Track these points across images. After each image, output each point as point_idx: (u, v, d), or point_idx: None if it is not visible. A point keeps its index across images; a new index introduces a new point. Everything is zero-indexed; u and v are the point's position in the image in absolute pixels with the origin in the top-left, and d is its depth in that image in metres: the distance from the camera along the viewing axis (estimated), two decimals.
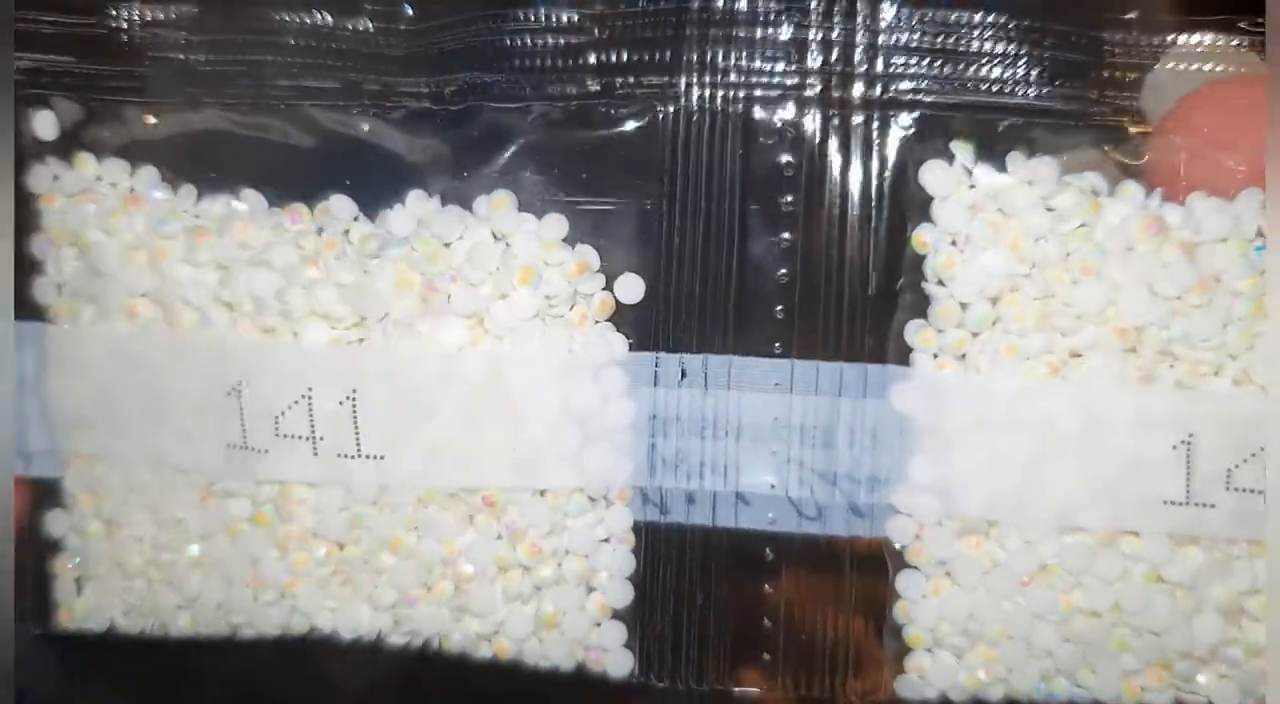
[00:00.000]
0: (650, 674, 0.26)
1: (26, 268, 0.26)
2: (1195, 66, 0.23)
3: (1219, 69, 0.23)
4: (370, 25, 0.25)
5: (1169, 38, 0.23)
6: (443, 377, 0.24)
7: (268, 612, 0.26)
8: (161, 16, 0.25)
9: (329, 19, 0.25)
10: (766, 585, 0.25)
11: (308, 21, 0.25)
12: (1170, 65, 0.23)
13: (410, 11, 0.24)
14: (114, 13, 0.25)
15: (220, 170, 0.25)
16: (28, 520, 0.27)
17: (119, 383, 0.26)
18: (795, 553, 0.25)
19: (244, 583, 0.26)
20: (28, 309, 0.26)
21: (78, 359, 0.26)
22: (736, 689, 0.25)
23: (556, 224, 0.24)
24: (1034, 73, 0.23)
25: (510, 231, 0.24)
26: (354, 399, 0.24)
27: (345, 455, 0.25)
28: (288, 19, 0.25)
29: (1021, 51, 0.23)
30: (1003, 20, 0.23)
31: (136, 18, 0.25)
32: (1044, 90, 0.23)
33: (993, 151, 0.23)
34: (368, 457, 0.25)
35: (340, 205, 0.25)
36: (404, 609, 0.25)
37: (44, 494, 0.27)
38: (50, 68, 0.26)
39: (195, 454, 0.25)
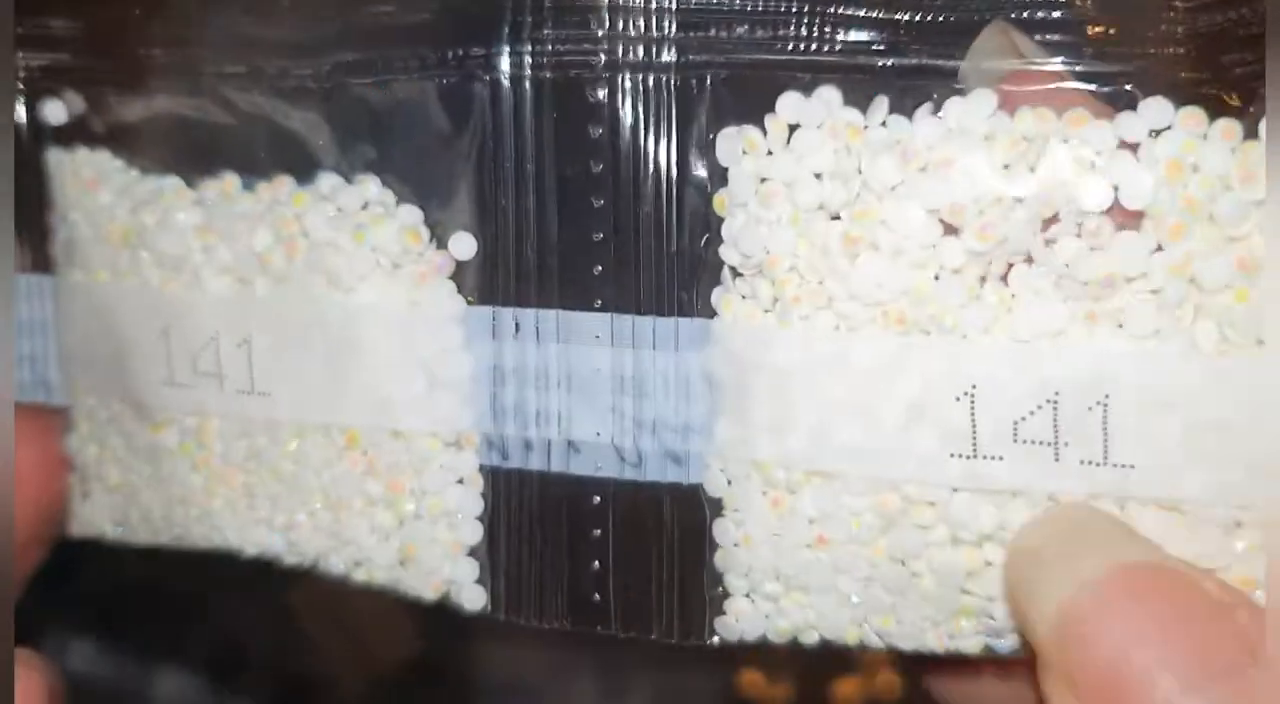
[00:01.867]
0: (500, 610, 0.28)
1: (47, 231, 0.32)
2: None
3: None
4: (273, 15, 0.28)
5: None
6: (308, 324, 0.27)
7: (193, 527, 0.30)
8: (125, 16, 0.30)
9: (241, 11, 0.28)
10: (595, 529, 0.26)
11: (224, 13, 0.28)
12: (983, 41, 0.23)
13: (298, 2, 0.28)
14: (92, 14, 0.30)
15: (170, 148, 0.30)
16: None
17: (96, 331, 0.30)
18: (620, 499, 0.26)
19: (177, 501, 0.30)
20: (46, 266, 0.32)
21: (71, 310, 0.31)
22: (572, 628, 0.27)
23: (405, 207, 0.27)
24: (827, 31, 0.23)
25: (366, 199, 0.27)
26: (249, 342, 0.28)
27: (243, 392, 0.28)
28: (211, 12, 0.29)
29: (815, 9, 0.23)
30: None
31: (108, 18, 0.30)
32: (838, 47, 0.23)
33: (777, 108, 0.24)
34: (259, 393, 0.28)
35: (230, 179, 0.29)
36: (292, 532, 0.28)
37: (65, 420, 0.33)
38: (56, 65, 0.31)
39: (142, 389, 0.30)
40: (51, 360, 0.32)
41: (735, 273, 0.24)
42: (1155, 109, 0.21)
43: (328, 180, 0.28)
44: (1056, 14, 0.22)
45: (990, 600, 0.23)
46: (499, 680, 0.39)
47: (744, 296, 0.24)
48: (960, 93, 0.23)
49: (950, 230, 0.22)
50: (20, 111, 0.32)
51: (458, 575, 0.28)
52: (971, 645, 0.24)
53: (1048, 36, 0.22)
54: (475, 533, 0.27)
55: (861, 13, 0.23)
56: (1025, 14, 0.22)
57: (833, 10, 0.23)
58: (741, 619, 0.25)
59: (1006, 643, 0.24)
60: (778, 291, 0.24)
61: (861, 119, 0.23)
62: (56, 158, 0.31)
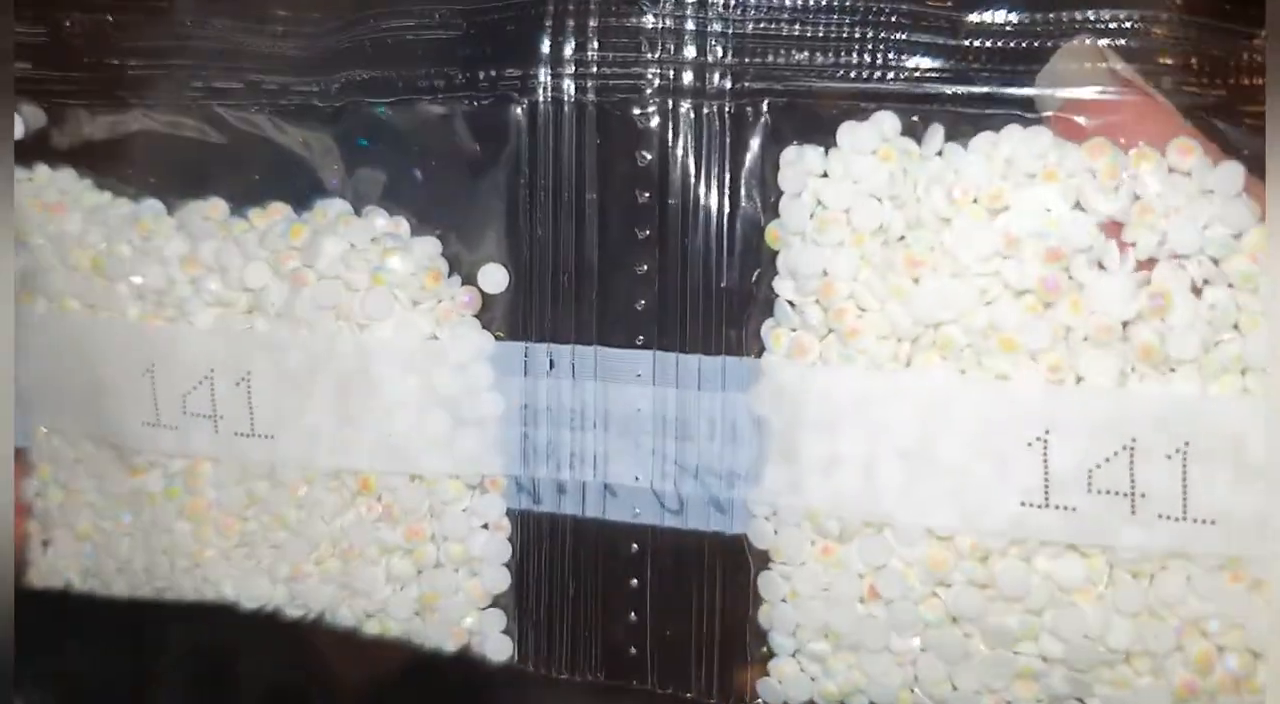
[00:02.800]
0: (528, 661, 0.26)
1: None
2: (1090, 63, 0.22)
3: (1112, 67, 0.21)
4: (268, 29, 0.26)
5: (1042, 15, 0.22)
6: (317, 362, 0.25)
7: (181, 579, 0.27)
8: (97, 25, 0.27)
9: (233, 23, 0.26)
10: (633, 579, 0.25)
11: (214, 25, 0.26)
12: (1067, 59, 0.22)
13: (297, 15, 0.26)
14: (60, 22, 0.28)
15: (147, 168, 0.27)
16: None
17: (63, 366, 0.28)
18: (659, 547, 0.25)
19: (162, 551, 0.27)
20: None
21: (32, 343, 0.28)
22: (606, 681, 0.25)
23: (421, 239, 0.26)
24: (890, 57, 0.22)
25: (376, 231, 0.25)
26: (248, 381, 0.26)
27: (241, 434, 0.26)
28: (196, 24, 0.26)
29: (879, 35, 0.22)
30: (855, 4, 0.22)
31: (78, 26, 0.27)
32: (901, 75, 0.22)
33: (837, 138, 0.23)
34: (260, 436, 0.26)
35: (217, 204, 0.27)
36: (296, 584, 0.26)
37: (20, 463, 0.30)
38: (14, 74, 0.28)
39: (120, 431, 0.27)
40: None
41: (790, 305, 0.23)
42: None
43: (332, 208, 0.26)
44: (1134, 43, 0.21)
45: (1047, 663, 0.22)
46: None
47: (794, 329, 0.23)
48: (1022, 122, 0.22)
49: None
50: None
51: (482, 626, 0.26)
52: None
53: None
54: (502, 581, 0.26)
55: (926, 39, 0.22)
56: (1101, 42, 0.22)
57: (897, 37, 0.22)
58: (786, 682, 0.24)
59: None
60: (833, 322, 0.23)
61: (917, 147, 0.22)
62: (16, 175, 0.28)
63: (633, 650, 0.25)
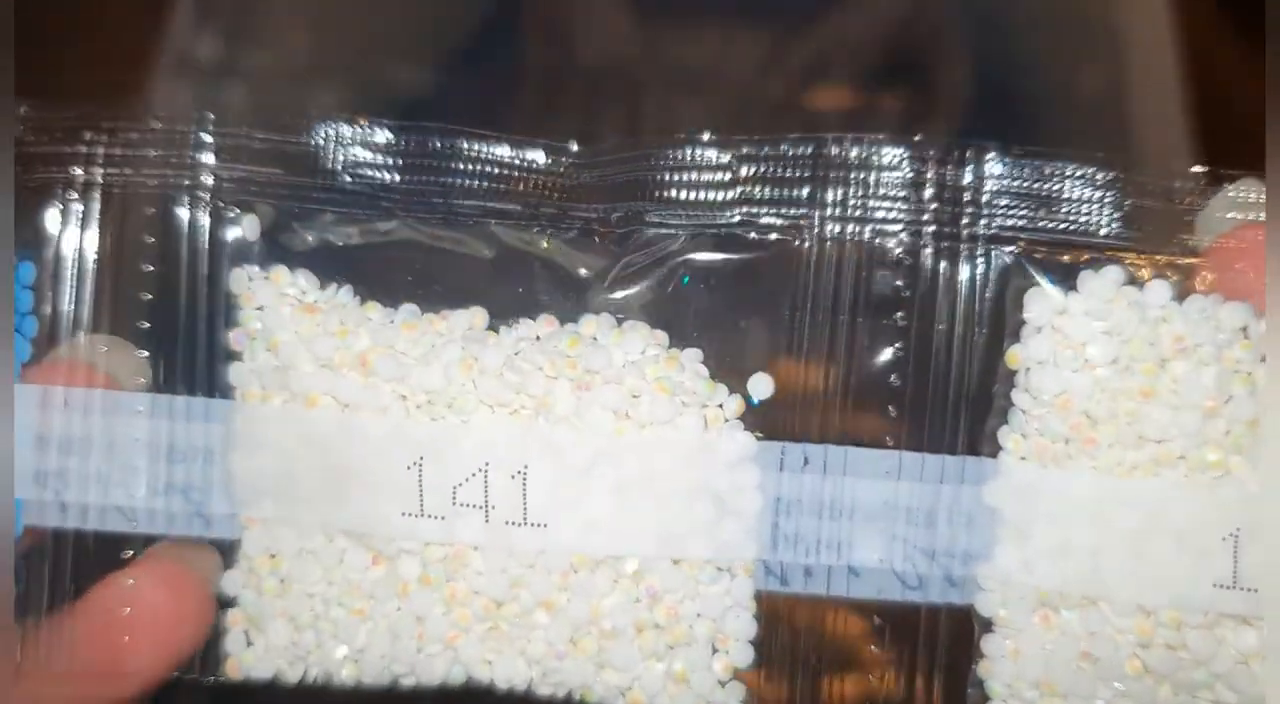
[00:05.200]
0: None
1: (221, 354, 0.30)
2: (1232, 214, 0.28)
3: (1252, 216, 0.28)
4: (549, 158, 0.29)
5: (1225, 187, 0.28)
6: (597, 459, 0.28)
7: (431, 663, 0.29)
8: (360, 136, 0.29)
9: (514, 151, 0.29)
10: (872, 646, 0.29)
11: (496, 152, 0.29)
12: (1217, 210, 0.28)
13: (577, 147, 0.29)
14: (317, 133, 0.29)
15: (402, 278, 0.30)
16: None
17: (302, 460, 0.29)
18: (897, 619, 0.29)
19: (410, 636, 0.29)
20: (221, 389, 0.30)
21: (264, 438, 0.29)
22: None
23: (693, 355, 0.29)
24: (1116, 215, 0.28)
25: (652, 353, 0.29)
26: (525, 474, 0.28)
27: (513, 523, 0.28)
28: (480, 150, 0.29)
29: (1106, 197, 0.28)
30: (1090, 171, 0.28)
31: (335, 136, 0.29)
32: (1124, 230, 0.28)
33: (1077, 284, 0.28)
34: (533, 525, 0.28)
35: (479, 312, 0.29)
36: (553, 662, 0.29)
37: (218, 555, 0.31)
38: (257, 178, 0.30)
39: (371, 521, 0.29)
40: (215, 491, 0.30)
41: (1025, 415, 0.28)
42: None
43: (600, 322, 0.29)
44: None
45: None
46: None
47: (1025, 435, 0.28)
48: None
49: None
50: (204, 224, 0.30)
51: (726, 698, 0.29)
52: None
53: None
54: (746, 656, 0.29)
55: (1147, 204, 0.28)
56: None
57: (1130, 203, 0.28)
58: None
59: None
60: (1070, 433, 0.28)
61: (1138, 296, 0.28)
62: (245, 273, 0.30)
63: None
